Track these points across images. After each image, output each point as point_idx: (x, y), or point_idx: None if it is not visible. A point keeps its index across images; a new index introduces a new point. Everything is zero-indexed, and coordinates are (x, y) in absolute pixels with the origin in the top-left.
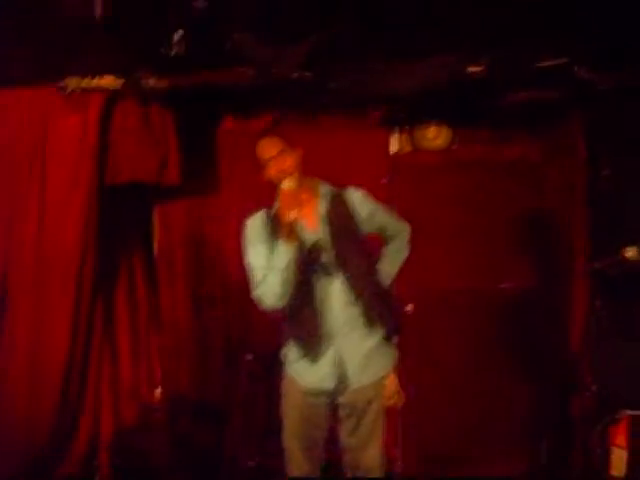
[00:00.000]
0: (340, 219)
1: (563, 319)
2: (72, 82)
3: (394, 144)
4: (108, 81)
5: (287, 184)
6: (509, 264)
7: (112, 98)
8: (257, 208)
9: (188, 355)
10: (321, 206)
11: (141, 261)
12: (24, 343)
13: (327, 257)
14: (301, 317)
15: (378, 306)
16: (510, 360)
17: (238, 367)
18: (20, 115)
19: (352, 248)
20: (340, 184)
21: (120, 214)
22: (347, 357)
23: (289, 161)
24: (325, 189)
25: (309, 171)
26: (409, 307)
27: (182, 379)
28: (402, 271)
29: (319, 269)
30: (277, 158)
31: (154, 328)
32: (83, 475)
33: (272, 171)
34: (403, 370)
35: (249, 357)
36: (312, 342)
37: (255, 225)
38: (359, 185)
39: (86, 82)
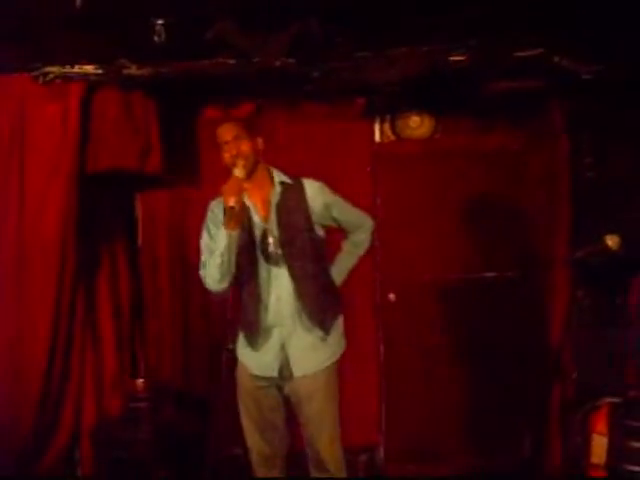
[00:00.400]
0: (291, 209)
1: (545, 308)
2: (52, 70)
3: (377, 133)
4: (88, 69)
5: (237, 171)
6: (491, 253)
7: (92, 86)
8: None
9: (171, 345)
10: (274, 195)
11: (124, 250)
12: (5, 333)
13: (275, 246)
14: (248, 304)
15: (316, 301)
16: (492, 350)
17: (221, 356)
18: None
19: (299, 240)
20: (323, 173)
21: (102, 203)
22: (290, 346)
23: (243, 147)
24: (281, 178)
25: (292, 159)
26: (391, 296)
27: (165, 368)
28: (384, 260)
29: (268, 258)
30: (231, 143)
31: (137, 318)
32: (65, 466)
33: (226, 155)
34: (386, 359)
35: (231, 346)
36: (255, 330)
37: (214, 208)
38: (342, 173)
39: (66, 70)
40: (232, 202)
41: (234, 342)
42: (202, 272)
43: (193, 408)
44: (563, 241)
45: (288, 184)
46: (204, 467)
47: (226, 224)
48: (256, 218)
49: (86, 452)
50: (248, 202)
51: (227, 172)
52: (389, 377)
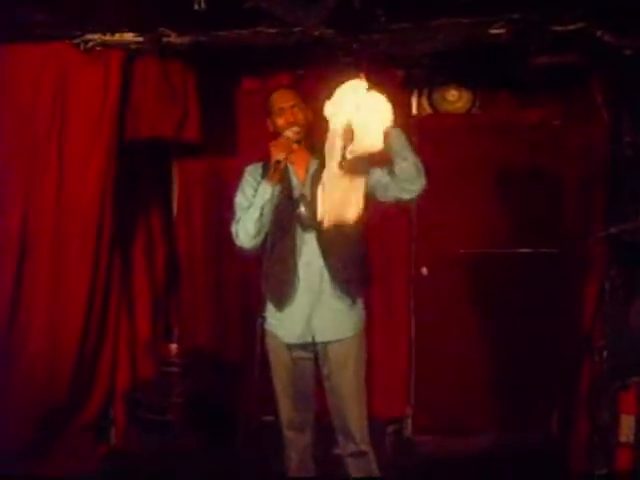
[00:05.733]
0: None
1: (578, 285)
2: (93, 38)
3: (414, 106)
4: (129, 37)
5: (290, 132)
6: (527, 229)
7: (132, 55)
8: None
9: (205, 311)
10: (313, 163)
11: (160, 217)
12: (43, 298)
13: (303, 212)
14: (277, 270)
15: (343, 269)
16: (523, 325)
17: (255, 324)
18: (40, 71)
19: None
20: None
21: (140, 171)
22: (315, 312)
23: (299, 116)
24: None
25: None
26: (424, 270)
27: (199, 335)
28: (419, 233)
29: (300, 222)
30: (288, 110)
31: (172, 284)
32: (99, 427)
33: (281, 121)
34: (417, 332)
35: (264, 315)
36: (285, 296)
37: (251, 171)
38: None
39: (107, 38)
40: (280, 157)
41: (263, 313)
42: (234, 228)
43: (226, 374)
44: (599, 218)
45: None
46: (236, 433)
47: (269, 178)
48: (295, 182)
49: (119, 414)
50: (290, 166)
51: (267, 139)
52: (419, 350)
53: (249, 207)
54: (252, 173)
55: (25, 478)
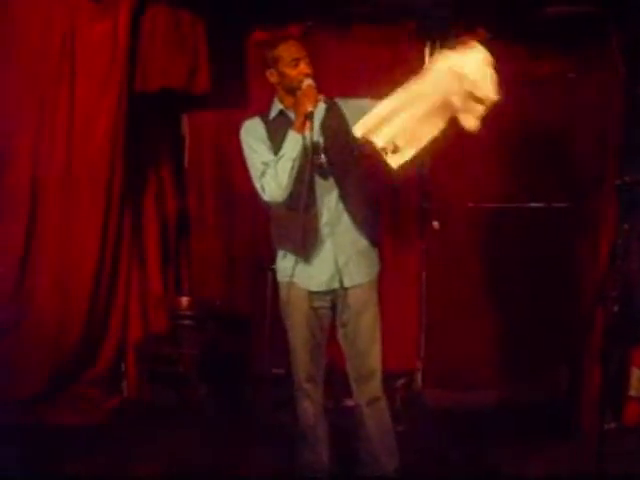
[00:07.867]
0: (334, 124)
1: (590, 240)
2: None
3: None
4: None
5: (309, 82)
6: (540, 183)
7: (142, 3)
8: None
9: (216, 263)
10: (318, 111)
11: (170, 170)
12: (54, 250)
13: (324, 159)
14: (298, 219)
15: (361, 212)
16: (534, 280)
17: (265, 276)
18: (48, 19)
19: (344, 153)
20: (371, 96)
21: (150, 123)
22: (341, 257)
23: (311, 67)
24: (321, 97)
25: (340, 82)
26: (435, 224)
27: (210, 288)
28: (431, 187)
29: (317, 171)
30: (302, 60)
31: (182, 237)
32: (111, 379)
33: (294, 72)
34: (428, 286)
35: (274, 266)
36: (309, 245)
37: (255, 127)
38: None
39: None
40: (311, 107)
41: (273, 265)
42: (259, 184)
43: (236, 327)
44: (613, 171)
45: (328, 102)
46: (245, 385)
47: (299, 128)
48: (307, 132)
49: (131, 367)
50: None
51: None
52: (430, 304)
53: (279, 160)
54: (256, 128)
55: (35, 428)
